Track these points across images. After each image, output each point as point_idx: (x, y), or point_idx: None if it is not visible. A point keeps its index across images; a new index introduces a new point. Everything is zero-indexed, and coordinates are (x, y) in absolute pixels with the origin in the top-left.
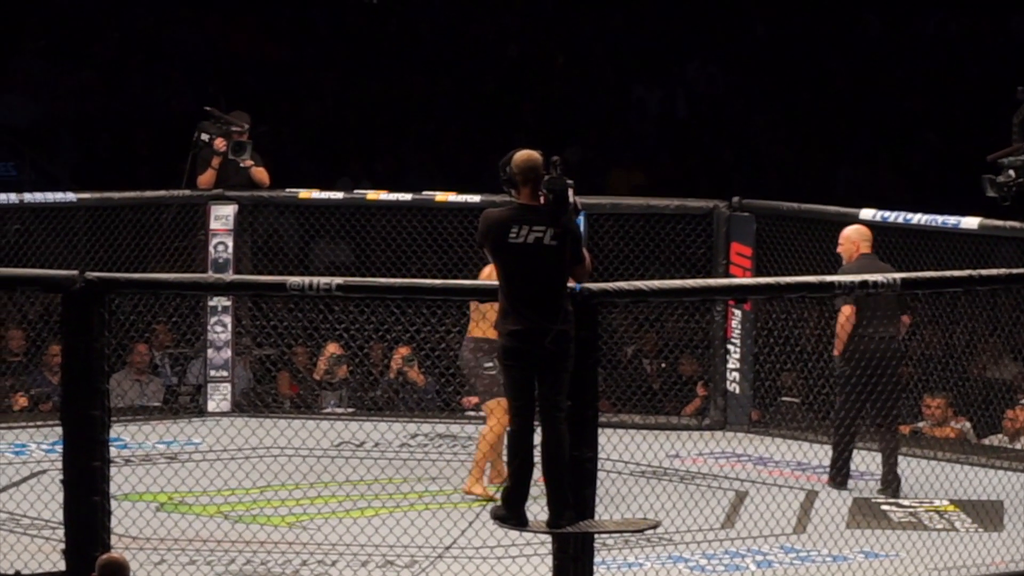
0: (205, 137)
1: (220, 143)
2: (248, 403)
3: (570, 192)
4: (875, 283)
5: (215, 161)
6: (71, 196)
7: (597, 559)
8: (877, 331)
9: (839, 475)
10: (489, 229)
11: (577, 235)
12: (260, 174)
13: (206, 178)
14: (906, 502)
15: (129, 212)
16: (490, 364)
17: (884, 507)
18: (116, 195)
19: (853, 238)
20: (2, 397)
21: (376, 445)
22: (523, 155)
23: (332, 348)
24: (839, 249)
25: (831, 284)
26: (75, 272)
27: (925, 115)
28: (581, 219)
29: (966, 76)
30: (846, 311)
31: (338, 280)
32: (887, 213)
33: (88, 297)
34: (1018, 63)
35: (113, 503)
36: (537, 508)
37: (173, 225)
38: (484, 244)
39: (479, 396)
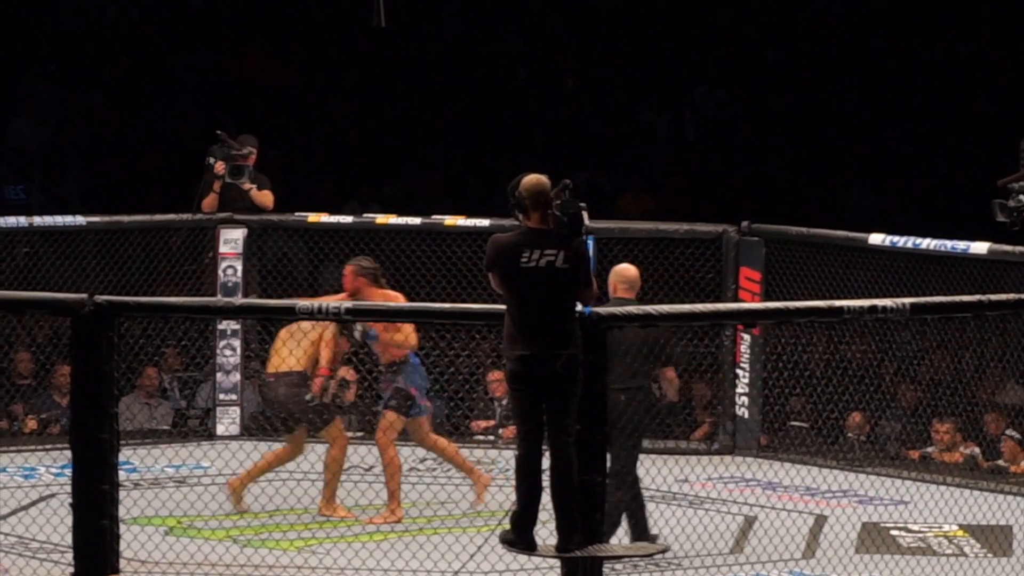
0: (211, 160)
1: (220, 166)
2: (257, 427)
3: (584, 215)
4: (884, 308)
5: (216, 184)
6: (80, 219)
7: None
8: (616, 383)
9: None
10: (499, 254)
11: (587, 258)
12: (262, 197)
13: (208, 201)
14: (915, 527)
15: (138, 235)
16: (309, 396)
17: (893, 532)
18: (125, 218)
19: (612, 280)
20: (11, 420)
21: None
22: (532, 179)
23: (344, 373)
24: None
25: (840, 309)
26: (84, 295)
27: (934, 140)
28: (590, 243)
29: (975, 101)
30: None
31: (347, 304)
32: (896, 238)
33: (97, 320)
34: None
35: (122, 527)
36: (546, 532)
37: (183, 249)
38: (493, 269)
39: (314, 429)
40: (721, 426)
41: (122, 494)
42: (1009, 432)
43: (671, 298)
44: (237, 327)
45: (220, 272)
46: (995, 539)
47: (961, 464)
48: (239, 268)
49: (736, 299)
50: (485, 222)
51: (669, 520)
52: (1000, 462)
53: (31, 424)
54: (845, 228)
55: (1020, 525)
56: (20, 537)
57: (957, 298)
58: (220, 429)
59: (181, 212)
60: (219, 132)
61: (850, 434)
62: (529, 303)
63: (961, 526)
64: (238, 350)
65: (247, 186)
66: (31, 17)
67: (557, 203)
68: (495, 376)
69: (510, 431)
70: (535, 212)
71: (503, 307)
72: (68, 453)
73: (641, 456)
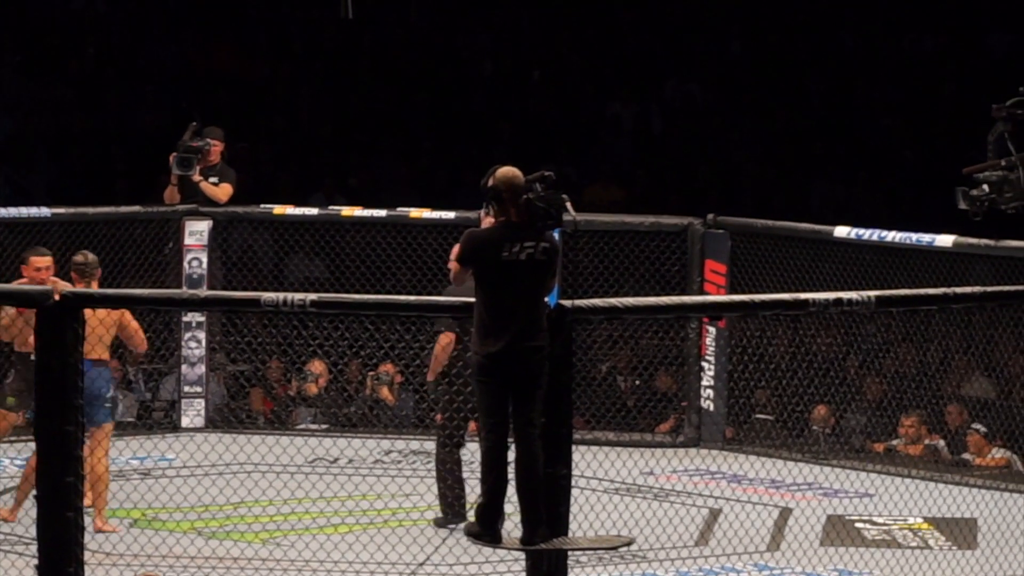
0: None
1: (171, 158)
2: (222, 419)
3: (568, 206)
4: (849, 301)
5: (172, 177)
6: (45, 211)
7: None
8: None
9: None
10: (478, 248)
11: (558, 249)
12: (212, 190)
13: (168, 193)
14: (880, 520)
15: (103, 227)
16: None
17: (858, 525)
18: (90, 210)
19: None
20: None
21: (350, 462)
22: (508, 172)
23: (312, 366)
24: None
25: (806, 302)
26: (49, 287)
27: (900, 133)
28: (556, 234)
29: (942, 94)
30: (443, 340)
31: (312, 296)
32: (862, 230)
33: (62, 312)
34: (994, 81)
35: (87, 519)
36: (511, 525)
37: (148, 240)
38: (470, 263)
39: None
40: (686, 419)
41: (86, 486)
42: (975, 426)
43: (637, 290)
44: (202, 319)
45: (185, 264)
46: (960, 532)
47: (923, 456)
48: (204, 260)
49: (701, 292)
50: (451, 214)
51: (634, 512)
52: (965, 455)
53: None
54: (811, 221)
55: (984, 518)
56: None
57: (922, 291)
58: (185, 421)
59: (147, 204)
60: (192, 124)
61: (815, 427)
62: (507, 297)
63: (926, 519)
64: (203, 342)
65: (196, 178)
66: None
67: (540, 195)
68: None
69: (474, 425)
70: (512, 205)
71: (470, 299)
72: (32, 445)
73: (606, 448)
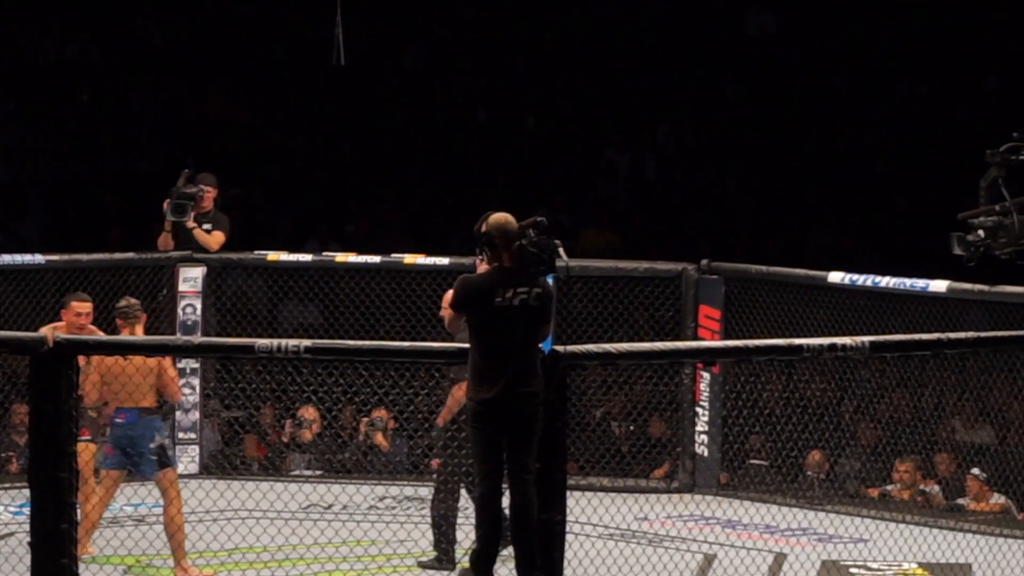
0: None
1: (165, 205)
2: (216, 465)
3: (561, 251)
4: (844, 346)
5: (166, 223)
6: (40, 258)
7: None
8: None
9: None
10: (472, 294)
11: (552, 295)
12: (204, 237)
13: (162, 240)
14: (875, 565)
15: (97, 274)
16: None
17: (853, 570)
18: (84, 257)
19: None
20: None
21: (344, 508)
22: (500, 218)
23: (304, 412)
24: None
25: (800, 347)
26: (43, 334)
27: (894, 178)
28: (550, 279)
29: (936, 139)
30: (458, 392)
31: (306, 342)
32: (856, 276)
33: (56, 359)
34: (987, 126)
35: (81, 566)
36: (505, 571)
37: (142, 287)
38: (463, 309)
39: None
40: (680, 464)
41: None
42: (974, 471)
43: (631, 336)
44: (196, 365)
45: (179, 310)
46: None
47: (918, 501)
48: (198, 306)
49: (696, 337)
50: (445, 260)
51: (629, 558)
52: (961, 500)
53: None
54: (805, 267)
55: (979, 563)
56: None
57: (917, 336)
58: (179, 468)
59: (141, 251)
60: (185, 170)
61: (809, 472)
62: (500, 343)
63: (920, 564)
64: (197, 388)
65: (190, 224)
66: None
67: (533, 240)
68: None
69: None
70: (505, 251)
71: (464, 346)
72: (27, 492)
73: (601, 494)
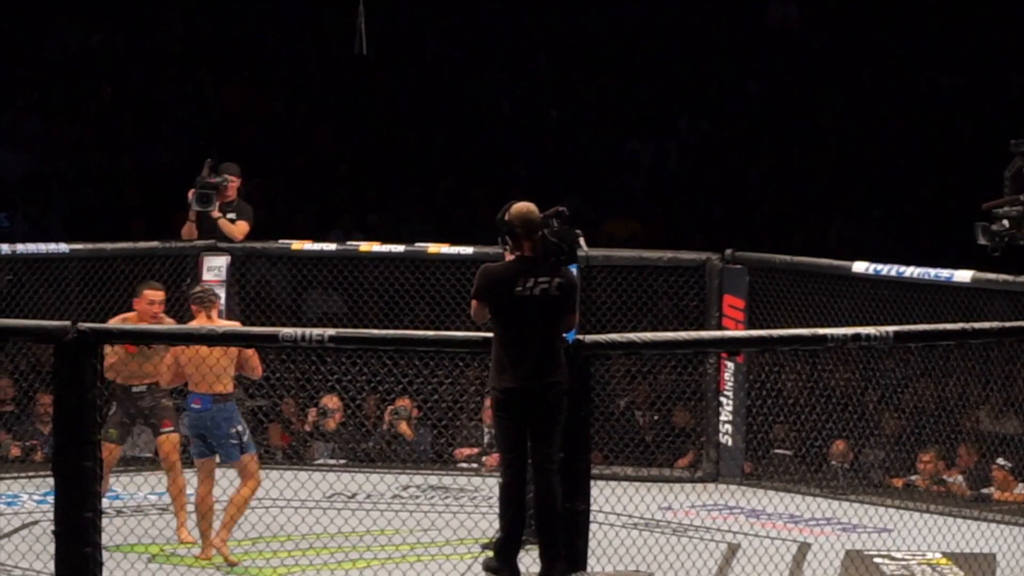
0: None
1: (190, 195)
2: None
3: (581, 241)
4: (868, 336)
5: (191, 213)
6: (64, 247)
7: None
8: None
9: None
10: (492, 283)
11: (577, 285)
12: (228, 227)
13: (186, 230)
14: (899, 555)
15: (121, 263)
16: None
17: (877, 560)
18: (108, 246)
19: None
20: None
21: (368, 497)
22: (522, 207)
23: (326, 401)
24: None
25: (824, 337)
26: (67, 323)
27: (918, 169)
28: (574, 269)
29: (959, 131)
30: None
31: (330, 331)
32: (880, 266)
33: (80, 348)
34: (1010, 118)
35: (105, 554)
36: (529, 560)
37: (165, 276)
38: (484, 299)
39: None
40: (705, 454)
41: (105, 521)
42: (1000, 461)
43: (655, 326)
44: None
45: None
46: (978, 567)
47: (941, 491)
48: (223, 295)
49: (720, 327)
50: (468, 250)
51: (652, 548)
52: (985, 490)
53: (14, 451)
54: (828, 257)
55: (1003, 553)
56: (2, 565)
57: (941, 326)
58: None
59: (163, 240)
60: (208, 160)
61: (833, 462)
62: (521, 332)
63: (945, 554)
64: None
65: (215, 214)
66: (14, 46)
67: (554, 230)
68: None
69: (494, 459)
70: (526, 240)
71: (487, 335)
72: (51, 480)
73: (625, 483)
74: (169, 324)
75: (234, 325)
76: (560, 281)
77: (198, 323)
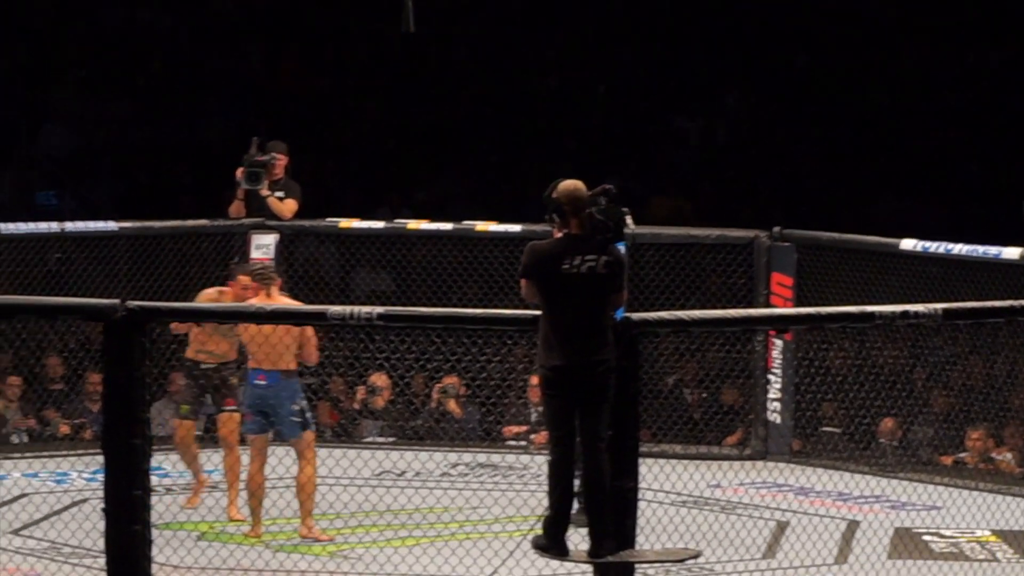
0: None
1: (238, 173)
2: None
3: (629, 219)
4: (916, 313)
5: (239, 191)
6: (112, 225)
7: None
8: None
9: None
10: (539, 261)
11: (624, 263)
12: (277, 205)
13: (234, 208)
14: (948, 532)
15: (170, 241)
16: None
17: (926, 537)
18: (157, 224)
19: None
20: (44, 425)
21: (417, 474)
22: (569, 185)
23: (375, 379)
24: None
25: (872, 314)
26: (116, 301)
27: (966, 146)
28: (623, 247)
29: (1007, 107)
30: None
31: (379, 309)
32: (928, 243)
33: (129, 326)
34: None
35: (154, 532)
36: (578, 538)
37: (214, 254)
38: (531, 276)
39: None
40: (753, 431)
41: (154, 499)
42: None
43: (703, 303)
44: None
45: None
46: None
47: (989, 469)
48: None
49: (768, 304)
50: (517, 227)
51: (701, 525)
52: None
53: (63, 429)
54: (876, 234)
55: None
56: (52, 542)
57: (989, 303)
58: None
59: (212, 218)
60: (254, 138)
61: (882, 439)
62: (568, 310)
63: (994, 531)
64: None
65: (264, 192)
66: (63, 23)
67: (601, 208)
68: (535, 381)
69: (542, 437)
70: (574, 218)
71: (536, 312)
72: (100, 458)
73: (673, 461)
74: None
75: (295, 303)
76: (607, 259)
77: (258, 301)
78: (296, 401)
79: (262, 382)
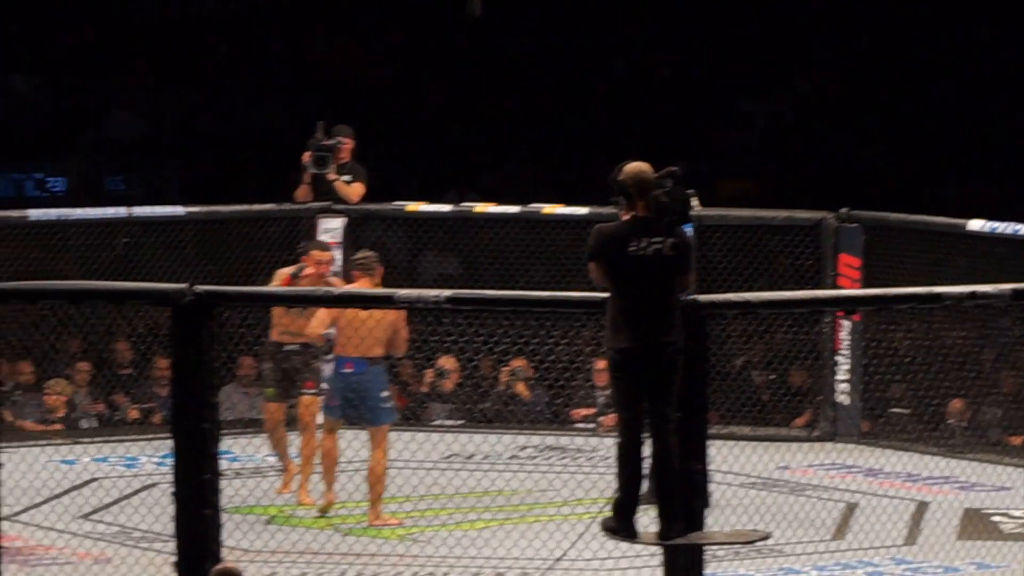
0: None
1: (305, 157)
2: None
3: (694, 202)
4: (984, 294)
5: (306, 175)
6: (180, 210)
7: (707, 571)
8: None
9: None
10: (605, 243)
11: (691, 245)
12: (347, 189)
13: (301, 192)
14: (1017, 513)
15: (237, 225)
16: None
17: (995, 518)
18: (224, 208)
19: None
20: (113, 410)
21: (485, 457)
22: (635, 167)
23: (443, 362)
24: None
25: (940, 295)
26: (184, 286)
27: None
28: (690, 229)
29: None
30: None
31: (447, 293)
32: (996, 224)
33: (197, 310)
34: None
35: (224, 516)
36: (647, 519)
37: (281, 238)
38: (598, 259)
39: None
40: (822, 413)
41: (223, 483)
42: None
43: (770, 285)
44: None
45: None
46: None
47: None
48: (338, 257)
49: (835, 286)
50: (583, 210)
51: (771, 507)
52: None
53: (132, 414)
54: (943, 215)
55: None
56: (122, 527)
57: None
58: (320, 418)
59: (278, 202)
60: (320, 122)
61: (951, 420)
62: (635, 292)
63: None
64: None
65: (331, 176)
66: (129, 10)
67: (666, 191)
68: (600, 365)
69: (610, 419)
70: (640, 200)
71: (603, 295)
72: (169, 443)
73: (742, 443)
74: (337, 285)
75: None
76: (674, 241)
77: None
78: (383, 388)
79: (349, 370)
